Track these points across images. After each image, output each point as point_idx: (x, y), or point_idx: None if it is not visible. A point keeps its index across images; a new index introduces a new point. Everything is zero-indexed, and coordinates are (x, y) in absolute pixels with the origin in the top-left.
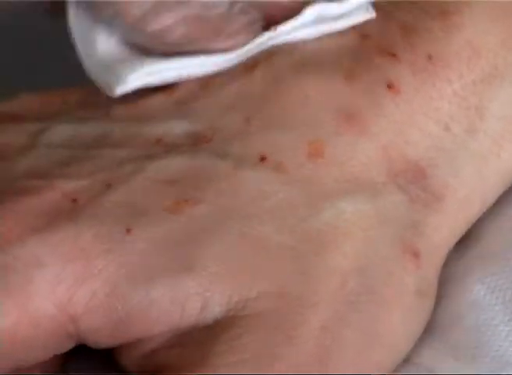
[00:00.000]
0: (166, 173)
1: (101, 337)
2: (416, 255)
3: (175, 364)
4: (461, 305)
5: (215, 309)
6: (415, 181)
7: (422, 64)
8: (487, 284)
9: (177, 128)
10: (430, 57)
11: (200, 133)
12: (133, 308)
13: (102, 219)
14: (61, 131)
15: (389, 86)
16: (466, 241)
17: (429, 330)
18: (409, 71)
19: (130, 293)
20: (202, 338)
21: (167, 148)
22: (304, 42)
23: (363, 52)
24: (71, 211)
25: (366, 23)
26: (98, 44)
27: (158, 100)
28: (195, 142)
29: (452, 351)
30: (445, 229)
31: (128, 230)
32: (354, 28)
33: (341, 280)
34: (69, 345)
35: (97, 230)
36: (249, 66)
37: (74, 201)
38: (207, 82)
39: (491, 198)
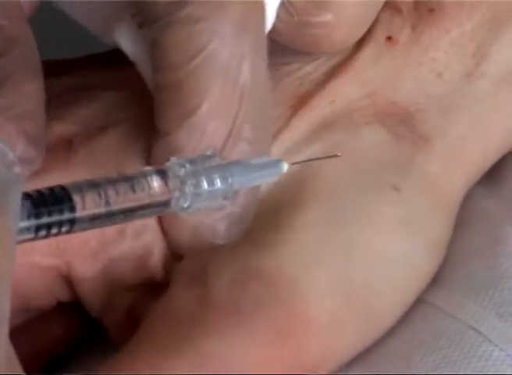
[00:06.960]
0: None
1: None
2: (396, 188)
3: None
4: (507, 263)
5: None
6: (402, 123)
7: (423, 17)
8: None
9: None
10: (431, 10)
11: None
12: None
13: (96, 160)
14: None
15: (388, 38)
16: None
17: (475, 285)
18: (409, 25)
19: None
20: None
21: None
22: None
23: None
24: (67, 151)
25: None
26: None
27: None
28: None
29: (497, 308)
30: (435, 167)
31: None
32: None
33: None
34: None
35: (92, 170)
36: None
37: (70, 142)
38: None
39: (497, 141)
